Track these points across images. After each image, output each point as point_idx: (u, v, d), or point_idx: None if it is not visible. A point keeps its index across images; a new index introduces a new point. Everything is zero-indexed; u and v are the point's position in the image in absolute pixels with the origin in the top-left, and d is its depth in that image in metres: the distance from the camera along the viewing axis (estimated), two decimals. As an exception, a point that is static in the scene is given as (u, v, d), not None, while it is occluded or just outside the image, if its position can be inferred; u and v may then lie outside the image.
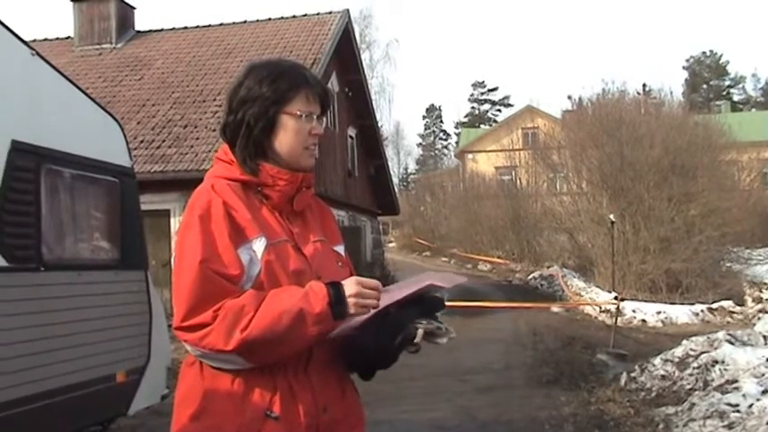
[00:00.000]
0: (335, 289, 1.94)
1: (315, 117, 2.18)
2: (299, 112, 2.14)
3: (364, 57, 34.10)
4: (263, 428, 1.96)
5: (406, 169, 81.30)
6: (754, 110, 65.39)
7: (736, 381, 7.05)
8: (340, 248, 2.30)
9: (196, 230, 1.99)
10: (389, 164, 29.29)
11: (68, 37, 21.47)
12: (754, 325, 12.11)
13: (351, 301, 1.93)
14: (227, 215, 2.02)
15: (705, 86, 75.68)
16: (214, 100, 17.23)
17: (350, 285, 1.94)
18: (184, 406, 2.03)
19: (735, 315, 17.74)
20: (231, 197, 2.07)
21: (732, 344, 8.73)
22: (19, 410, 4.85)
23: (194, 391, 2.02)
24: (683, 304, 18.29)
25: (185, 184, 13.58)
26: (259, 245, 2.02)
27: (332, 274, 2.12)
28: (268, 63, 2.23)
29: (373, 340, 2.00)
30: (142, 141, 15.91)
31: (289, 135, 2.14)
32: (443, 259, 37.44)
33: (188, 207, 2.07)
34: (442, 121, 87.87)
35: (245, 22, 21.79)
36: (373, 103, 26.98)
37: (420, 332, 1.98)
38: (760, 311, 17.10)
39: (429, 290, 2.06)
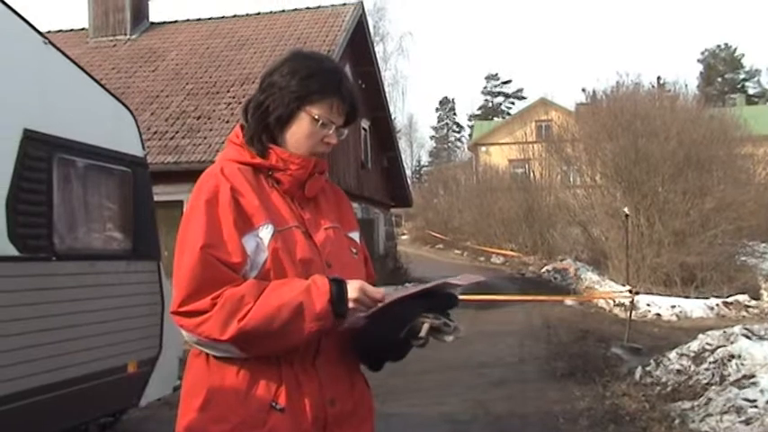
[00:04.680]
0: (338, 286, 1.89)
1: (334, 127, 2.11)
2: (317, 116, 2.08)
3: (378, 49, 34.07)
4: (269, 420, 1.93)
5: (419, 161, 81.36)
6: (769, 103, 64.93)
7: (754, 376, 6.97)
8: (355, 235, 2.24)
9: (201, 215, 1.97)
10: (402, 156, 29.27)
11: (83, 28, 21.48)
12: (771, 319, 11.99)
13: (351, 304, 1.90)
14: (233, 201, 1.99)
15: (720, 80, 75.10)
16: (228, 91, 17.23)
17: (353, 291, 1.90)
18: (191, 396, 2.01)
19: (750, 309, 17.56)
20: (240, 182, 2.03)
21: (749, 338, 8.63)
22: (29, 401, 4.84)
23: (200, 381, 2.00)
24: (697, 298, 18.12)
25: (198, 175, 13.23)
26: (266, 232, 1.98)
27: (344, 263, 2.08)
28: (310, 58, 2.16)
29: (377, 332, 1.96)
30: (155, 132, 15.91)
31: (300, 133, 2.09)
32: (456, 252, 37.37)
33: (195, 189, 2.05)
34: (455, 114, 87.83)
35: (258, 13, 21.78)
36: (386, 95, 26.90)
37: (425, 327, 1.93)
38: (776, 306, 16.98)
39: (443, 287, 2.01)
